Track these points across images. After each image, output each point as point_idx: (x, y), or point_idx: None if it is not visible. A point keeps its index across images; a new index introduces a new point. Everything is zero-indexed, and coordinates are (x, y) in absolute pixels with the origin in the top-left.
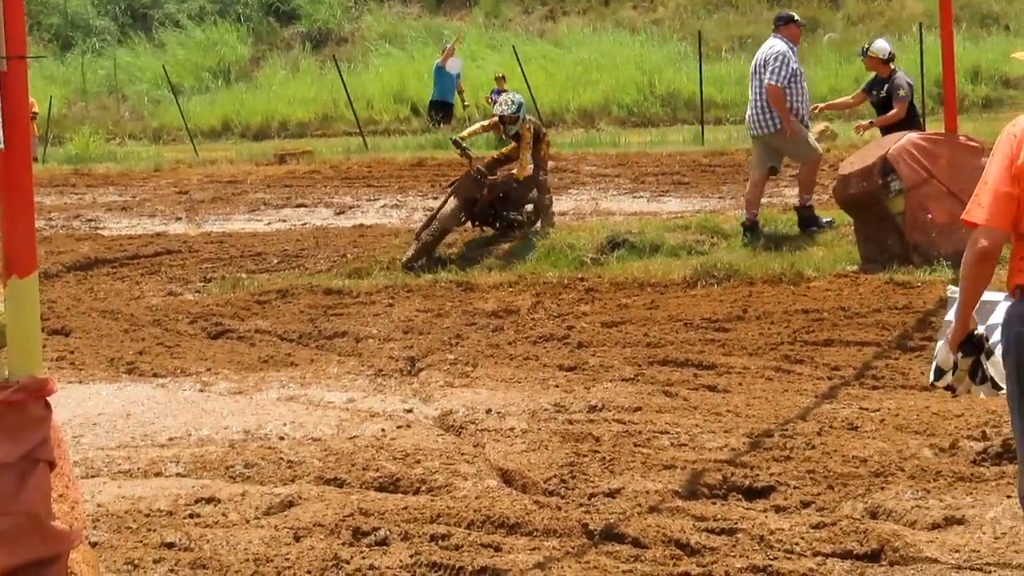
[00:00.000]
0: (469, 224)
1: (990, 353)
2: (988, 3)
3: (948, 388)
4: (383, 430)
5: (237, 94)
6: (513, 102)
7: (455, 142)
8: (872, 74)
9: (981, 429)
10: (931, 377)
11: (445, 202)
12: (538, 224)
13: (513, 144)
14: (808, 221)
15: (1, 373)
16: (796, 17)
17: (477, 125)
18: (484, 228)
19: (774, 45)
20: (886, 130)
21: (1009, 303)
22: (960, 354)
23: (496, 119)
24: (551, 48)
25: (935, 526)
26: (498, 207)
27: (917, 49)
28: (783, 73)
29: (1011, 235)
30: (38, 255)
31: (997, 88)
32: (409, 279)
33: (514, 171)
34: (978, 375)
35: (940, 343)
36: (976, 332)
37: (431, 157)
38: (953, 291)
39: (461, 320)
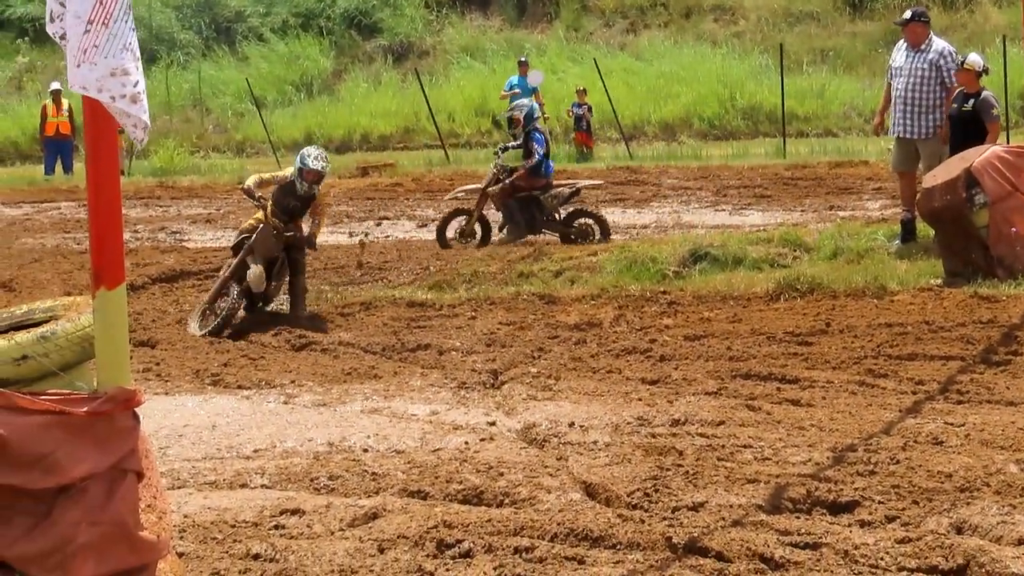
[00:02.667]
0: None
1: None
2: None
3: None
4: (466, 443)
5: (319, 107)
6: (327, 160)
7: (246, 191)
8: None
9: None
10: None
11: (239, 266)
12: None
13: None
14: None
15: (90, 384)
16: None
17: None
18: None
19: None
20: (964, 144)
21: None
22: None
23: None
24: (632, 61)
25: (1021, 542)
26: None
27: (1000, 61)
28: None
29: None
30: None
31: None
32: (492, 291)
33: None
34: None
35: None
36: None
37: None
38: None
39: (543, 333)
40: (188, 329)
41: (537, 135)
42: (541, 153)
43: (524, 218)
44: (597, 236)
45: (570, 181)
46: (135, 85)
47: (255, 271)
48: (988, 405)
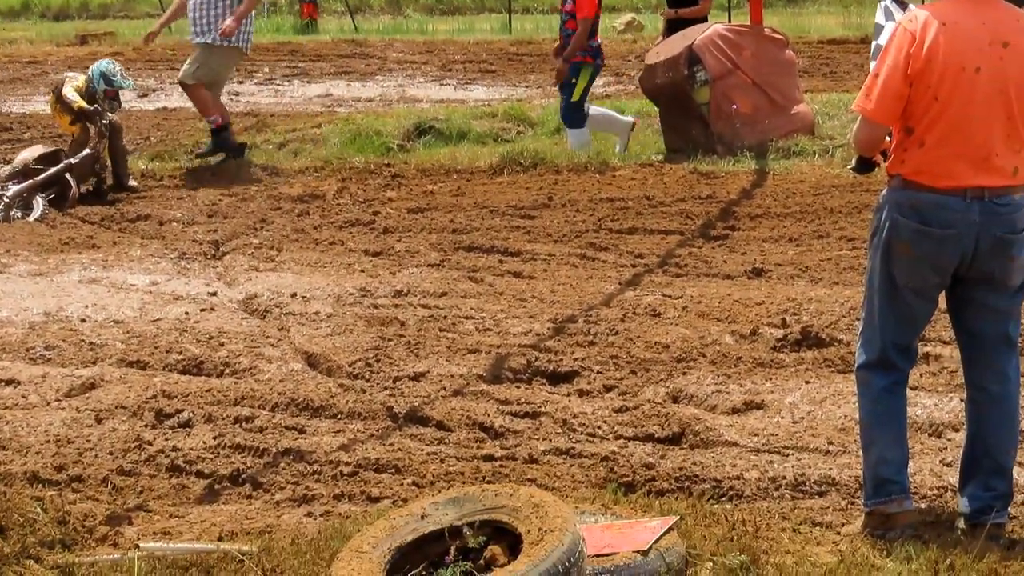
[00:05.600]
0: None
1: None
2: None
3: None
4: (187, 313)
5: None
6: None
7: (83, 110)
8: None
9: (781, 316)
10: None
11: (53, 180)
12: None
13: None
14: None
15: None
16: None
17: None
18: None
19: None
20: (683, 23)
21: (886, 189)
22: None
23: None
24: None
25: (735, 410)
26: None
27: None
28: None
29: (896, 126)
30: None
31: None
32: (214, 162)
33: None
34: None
35: None
36: (874, 161)
37: None
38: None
39: (266, 205)
40: None
41: None
42: None
43: None
44: None
45: None
46: None
47: (74, 197)
48: (705, 278)
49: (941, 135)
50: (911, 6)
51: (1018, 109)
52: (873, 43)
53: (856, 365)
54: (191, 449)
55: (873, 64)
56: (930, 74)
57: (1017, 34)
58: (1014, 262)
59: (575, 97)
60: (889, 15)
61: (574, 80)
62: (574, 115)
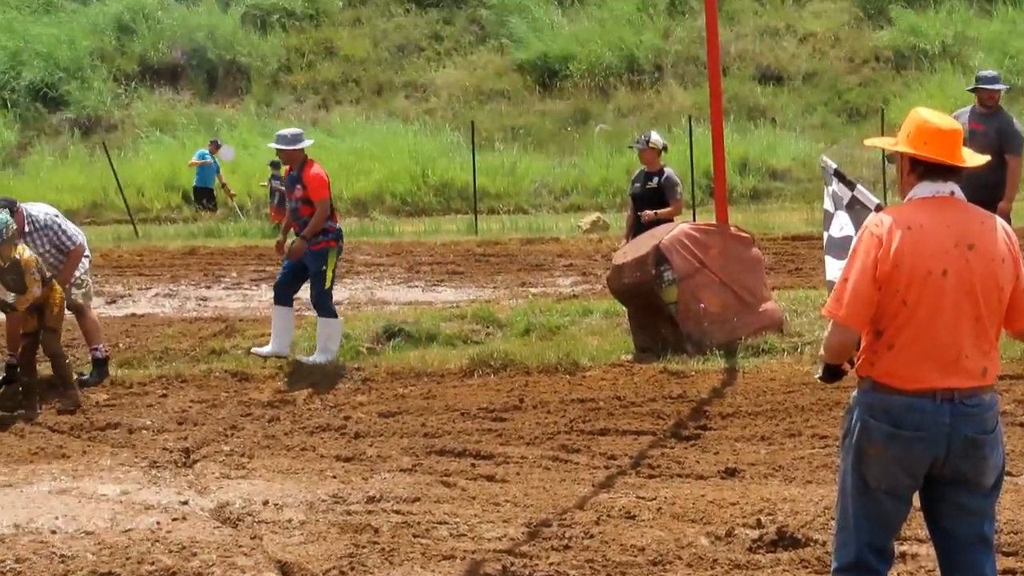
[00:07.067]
0: None
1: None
2: (755, 97)
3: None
4: (158, 523)
5: (3, 181)
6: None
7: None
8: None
9: (756, 517)
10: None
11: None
12: None
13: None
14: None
15: None
16: None
17: None
18: None
19: None
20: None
21: (856, 391)
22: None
23: None
24: (324, 137)
25: None
26: None
27: (686, 141)
28: None
29: (865, 329)
30: None
31: (764, 180)
32: (184, 368)
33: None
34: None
35: None
36: (842, 369)
37: (203, 245)
38: (826, 162)
39: (236, 410)
40: None
41: None
42: None
43: None
44: None
45: None
46: None
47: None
48: (679, 479)
49: (910, 338)
50: (859, 186)
51: (986, 310)
52: (825, 234)
53: (832, 569)
54: None
55: (828, 257)
56: (898, 278)
57: (982, 235)
58: (987, 462)
59: (327, 284)
60: (838, 202)
61: (324, 268)
62: (327, 303)
